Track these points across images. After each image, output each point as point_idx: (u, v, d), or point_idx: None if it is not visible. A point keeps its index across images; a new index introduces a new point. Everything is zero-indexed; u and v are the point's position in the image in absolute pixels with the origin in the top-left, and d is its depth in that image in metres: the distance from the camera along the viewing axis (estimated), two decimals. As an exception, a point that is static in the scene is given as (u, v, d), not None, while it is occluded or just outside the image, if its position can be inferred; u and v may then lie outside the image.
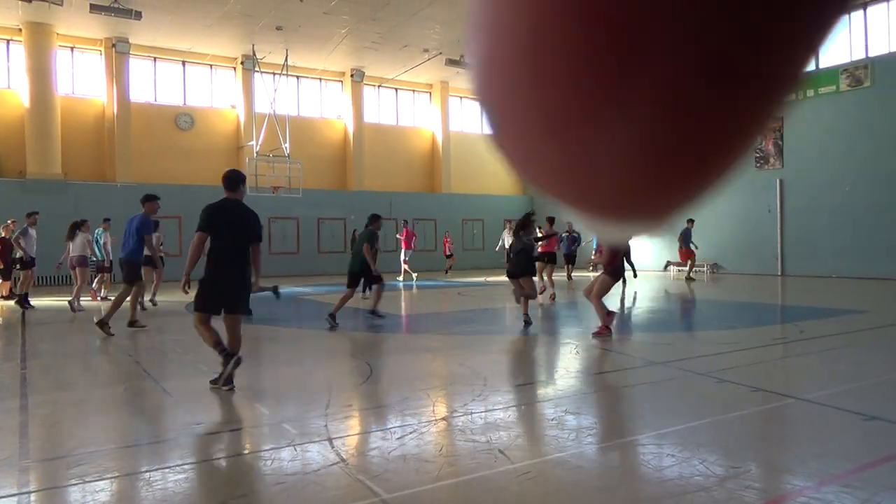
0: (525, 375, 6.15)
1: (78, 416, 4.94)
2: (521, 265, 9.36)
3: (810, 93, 19.62)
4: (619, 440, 4.19)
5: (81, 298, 12.17)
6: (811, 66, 0.32)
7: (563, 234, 20.15)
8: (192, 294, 5.64)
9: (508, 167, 0.39)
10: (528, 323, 9.11)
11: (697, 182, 0.35)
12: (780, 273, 20.29)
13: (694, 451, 3.77)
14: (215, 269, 5.45)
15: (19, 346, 8.21)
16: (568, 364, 6.74)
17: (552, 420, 4.54)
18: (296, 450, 3.92)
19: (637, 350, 7.61)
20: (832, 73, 19.13)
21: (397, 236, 21.61)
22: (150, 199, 9.55)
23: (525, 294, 9.28)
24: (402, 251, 20.62)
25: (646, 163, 0.33)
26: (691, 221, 19.01)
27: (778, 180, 20.37)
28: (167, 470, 3.61)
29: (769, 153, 20.65)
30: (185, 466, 3.65)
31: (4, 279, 14.57)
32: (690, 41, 0.29)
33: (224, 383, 5.35)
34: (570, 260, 19.81)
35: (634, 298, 14.05)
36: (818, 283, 16.80)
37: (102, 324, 8.65)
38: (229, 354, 5.37)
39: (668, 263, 22.82)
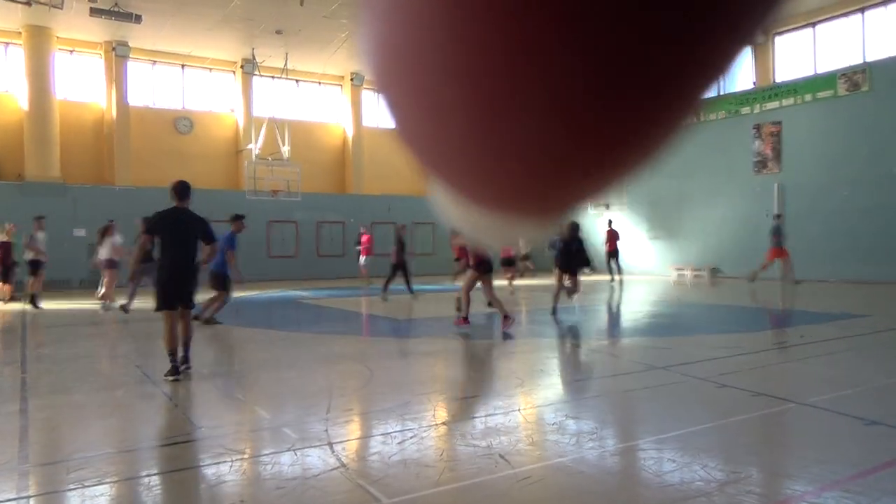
0: (525, 380, 6.14)
1: (77, 420, 4.92)
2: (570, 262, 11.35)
3: (808, 97, 19.67)
4: (620, 445, 4.19)
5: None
6: (712, 92, 0.33)
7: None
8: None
9: (409, 159, 0.39)
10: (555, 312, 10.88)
11: (594, 181, 0.35)
12: (779, 278, 20.31)
13: (695, 455, 3.77)
14: (164, 270, 6.20)
15: (19, 350, 8.19)
16: (568, 368, 6.73)
17: (553, 425, 4.53)
18: (296, 454, 3.91)
19: (637, 354, 7.61)
20: (830, 78, 19.18)
21: (356, 248, 21.38)
22: (238, 218, 10.72)
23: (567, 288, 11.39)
24: (361, 257, 20.68)
25: (543, 159, 0.33)
26: (779, 216, 16.83)
27: (776, 184, 20.40)
28: (167, 475, 3.60)
29: (767, 157, 20.68)
30: (185, 471, 3.64)
31: (4, 282, 14.59)
32: (590, 45, 0.29)
33: (171, 374, 6.01)
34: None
35: (633, 302, 14.05)
36: (818, 288, 16.81)
37: (207, 320, 10.03)
38: (176, 367, 6.03)
39: (678, 268, 22.88)
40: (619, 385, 5.89)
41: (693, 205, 22.96)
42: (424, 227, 27.24)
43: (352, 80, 25.44)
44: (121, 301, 11.86)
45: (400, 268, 14.48)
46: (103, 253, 12.95)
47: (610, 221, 20.18)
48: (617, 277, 18.98)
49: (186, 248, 6.26)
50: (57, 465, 3.83)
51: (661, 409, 5.04)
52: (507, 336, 8.76)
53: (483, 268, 9.16)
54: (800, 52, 20.46)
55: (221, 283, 10.12)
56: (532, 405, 5.16)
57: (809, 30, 20.09)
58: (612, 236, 20.35)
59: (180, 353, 6.16)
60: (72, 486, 3.45)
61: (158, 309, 6.16)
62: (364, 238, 20.74)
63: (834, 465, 3.60)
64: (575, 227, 12.02)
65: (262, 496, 3.29)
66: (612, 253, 20.13)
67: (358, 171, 26.04)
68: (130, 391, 5.85)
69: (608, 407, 5.18)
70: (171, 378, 5.93)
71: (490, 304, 9.82)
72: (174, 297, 6.16)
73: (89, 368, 7.10)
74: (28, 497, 3.33)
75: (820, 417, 4.67)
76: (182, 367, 6.13)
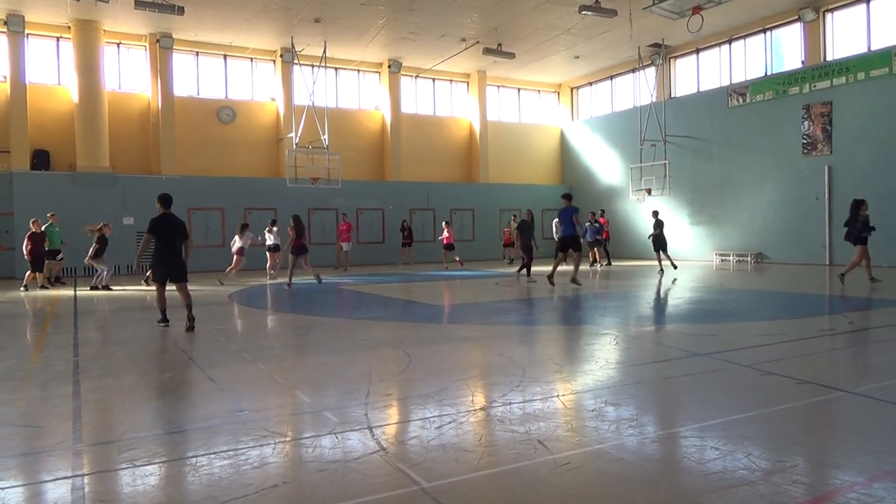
0: (564, 366, 6.11)
1: (127, 402, 5.10)
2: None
3: (861, 75, 18.93)
4: (661, 432, 4.14)
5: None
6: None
7: (586, 224, 20.52)
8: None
9: None
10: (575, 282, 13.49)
11: None
12: (828, 263, 19.70)
13: (738, 444, 3.70)
14: (159, 256, 8.68)
15: (72, 335, 8.50)
16: (607, 355, 6.67)
17: (592, 411, 4.51)
18: (337, 438, 3.97)
19: (679, 341, 7.49)
20: (885, 55, 18.41)
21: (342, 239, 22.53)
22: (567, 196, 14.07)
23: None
24: (344, 244, 22.00)
25: None
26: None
27: (826, 167, 19.74)
28: (213, 455, 3.70)
29: (817, 139, 20.02)
30: (230, 452, 3.74)
31: (35, 270, 15.49)
32: None
33: (161, 321, 8.83)
34: (596, 246, 21.01)
35: (677, 288, 13.82)
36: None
37: (573, 280, 13.60)
38: (166, 319, 8.84)
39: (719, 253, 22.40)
40: (659, 372, 5.82)
41: (737, 189, 22.39)
42: (465, 214, 27.23)
43: (389, 66, 25.46)
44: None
45: (526, 251, 15.76)
46: (241, 242, 17.08)
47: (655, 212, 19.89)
48: (665, 264, 18.75)
49: (174, 242, 8.68)
50: (109, 445, 3.98)
51: (703, 397, 4.96)
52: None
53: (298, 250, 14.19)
54: (852, 29, 19.66)
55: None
56: (570, 391, 5.13)
57: (862, 5, 19.28)
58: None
59: (186, 313, 8.64)
60: (123, 466, 3.58)
61: (157, 281, 8.81)
62: (347, 225, 22.43)
63: (884, 456, 3.50)
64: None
65: (305, 478, 3.36)
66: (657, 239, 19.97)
67: (396, 158, 26.13)
68: (177, 375, 6.02)
69: (649, 394, 5.12)
70: (162, 325, 8.75)
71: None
72: (166, 274, 8.70)
73: (138, 352, 7.32)
74: (82, 475, 3.46)
75: (869, 406, 4.54)
76: (188, 324, 8.53)
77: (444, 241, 22.38)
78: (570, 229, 13.74)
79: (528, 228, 15.94)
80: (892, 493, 3.01)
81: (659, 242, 18.26)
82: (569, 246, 13.86)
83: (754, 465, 3.38)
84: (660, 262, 18.62)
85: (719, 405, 4.65)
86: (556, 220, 16.12)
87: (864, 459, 3.44)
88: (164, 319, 8.78)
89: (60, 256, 16.93)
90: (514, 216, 24.45)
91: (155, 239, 8.59)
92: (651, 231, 18.64)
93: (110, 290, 14.97)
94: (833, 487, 3.14)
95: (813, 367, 6.02)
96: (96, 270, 15.55)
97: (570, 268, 14.64)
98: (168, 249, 8.64)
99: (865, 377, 5.47)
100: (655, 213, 18.90)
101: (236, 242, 17.32)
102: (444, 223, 23.15)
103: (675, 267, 16.02)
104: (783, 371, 5.60)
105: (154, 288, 9.11)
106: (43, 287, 15.42)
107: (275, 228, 18.36)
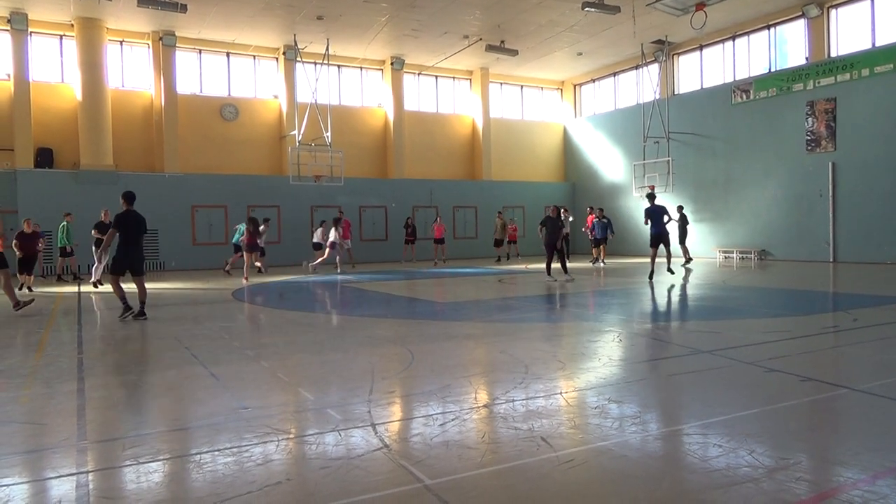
0: (567, 363, 6.11)
1: (131, 399, 5.11)
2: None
3: (865, 72, 18.86)
4: (664, 429, 4.14)
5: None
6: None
7: (595, 221, 20.46)
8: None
9: None
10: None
11: None
12: (832, 260, 19.66)
13: (741, 441, 3.70)
14: (121, 249, 9.33)
15: (76, 332, 8.52)
16: (610, 352, 6.67)
17: (595, 408, 4.50)
18: (340, 435, 3.98)
19: (682, 338, 7.48)
20: (889, 51, 18.34)
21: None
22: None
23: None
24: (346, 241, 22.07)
25: None
26: None
27: (830, 163, 19.68)
28: (217, 452, 3.71)
29: (821, 136, 19.96)
30: (233, 449, 3.75)
31: (23, 272, 14.92)
32: None
33: (123, 315, 9.23)
34: (601, 244, 20.83)
35: (679, 286, 13.80)
36: (872, 270, 16.23)
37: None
38: (128, 307, 9.27)
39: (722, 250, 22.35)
40: (663, 369, 5.81)
41: (741, 186, 22.35)
42: (468, 211, 27.23)
43: (392, 63, 25.45)
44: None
45: (549, 249, 15.21)
46: (332, 236, 19.17)
47: (680, 207, 20.46)
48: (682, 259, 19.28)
49: (137, 237, 9.40)
50: (113, 442, 3.99)
51: (706, 394, 4.95)
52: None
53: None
54: (857, 25, 19.58)
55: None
56: (573, 388, 5.13)
57: (867, 1, 19.20)
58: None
59: (137, 307, 9.29)
60: (127, 463, 3.59)
61: (114, 272, 9.36)
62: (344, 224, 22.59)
63: (888, 453, 3.49)
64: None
65: (308, 475, 3.37)
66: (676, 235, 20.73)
67: (399, 156, 26.13)
68: (181, 372, 6.04)
69: (652, 391, 5.11)
70: (127, 316, 9.21)
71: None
72: (127, 267, 9.33)
73: (142, 350, 7.34)
74: (87, 472, 3.47)
75: (873, 403, 4.53)
76: (141, 317, 9.21)
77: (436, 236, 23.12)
78: (660, 227, 14.80)
79: (553, 225, 15.02)
80: (896, 490, 3.00)
81: (675, 235, 18.93)
82: (660, 242, 14.91)
83: (757, 462, 3.38)
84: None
85: (722, 402, 4.64)
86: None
87: (868, 457, 3.43)
88: (128, 308, 9.26)
89: (70, 252, 17.46)
90: (500, 213, 24.38)
91: (120, 234, 9.29)
92: (680, 224, 18.59)
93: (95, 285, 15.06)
94: (836, 485, 3.14)
95: (816, 364, 6.01)
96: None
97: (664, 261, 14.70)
98: (131, 244, 9.32)
99: (869, 374, 5.45)
100: (681, 208, 20.47)
101: (330, 235, 19.18)
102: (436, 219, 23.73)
103: (672, 272, 15.83)
104: (786, 368, 5.60)
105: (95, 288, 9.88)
106: (30, 288, 15.09)
107: (333, 229, 19.57)
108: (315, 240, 20.27)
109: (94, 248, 15.78)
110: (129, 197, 9.54)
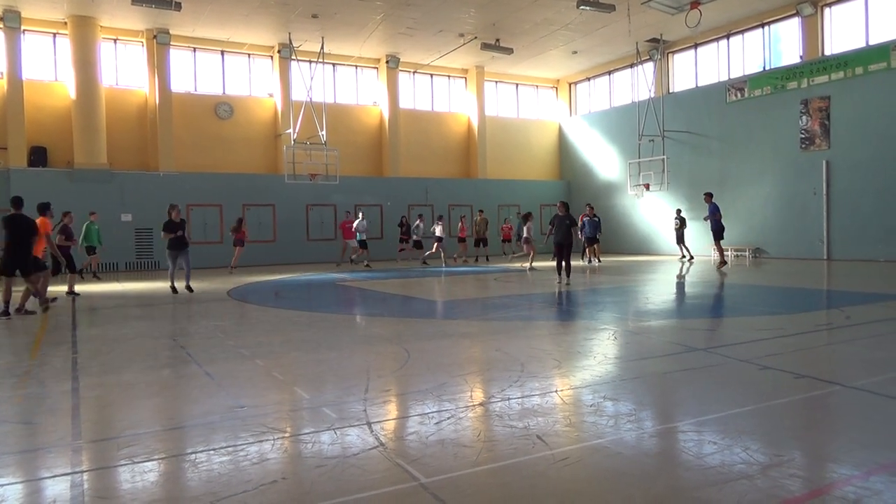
0: (562, 361, 6.12)
1: (126, 398, 5.10)
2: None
3: (859, 70, 18.93)
4: (659, 427, 4.15)
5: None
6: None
7: (585, 219, 20.42)
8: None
9: None
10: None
11: None
12: (826, 257, 19.74)
13: (736, 438, 3.71)
14: (7, 251, 9.80)
15: (70, 332, 8.50)
16: (606, 350, 6.68)
17: (590, 406, 4.52)
18: (336, 433, 3.98)
19: (677, 336, 7.50)
20: (882, 50, 18.41)
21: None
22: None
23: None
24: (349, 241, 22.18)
25: None
26: None
27: (824, 161, 19.75)
28: (212, 451, 3.71)
29: (815, 134, 20.02)
30: (229, 448, 3.74)
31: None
32: None
33: (2, 314, 9.72)
34: (593, 242, 20.88)
35: (675, 283, 13.83)
36: (866, 268, 16.30)
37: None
38: (6, 312, 9.77)
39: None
40: (657, 367, 5.83)
41: (735, 184, 22.40)
42: (463, 210, 27.21)
43: (387, 62, 25.41)
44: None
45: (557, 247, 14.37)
46: (438, 231, 20.67)
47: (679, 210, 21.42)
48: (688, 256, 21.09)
49: (24, 239, 9.85)
50: (108, 442, 3.98)
51: (701, 391, 4.97)
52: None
53: None
54: (850, 23, 19.65)
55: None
56: (569, 386, 5.14)
57: (860, 0, 19.26)
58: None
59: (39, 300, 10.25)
60: (122, 462, 3.58)
61: (2, 273, 9.85)
62: (347, 223, 22.44)
63: (881, 449, 3.51)
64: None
65: (303, 473, 3.37)
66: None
67: (394, 154, 26.10)
68: (176, 371, 6.02)
69: (647, 389, 5.13)
70: (3, 318, 9.59)
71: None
72: (14, 267, 9.80)
73: (137, 349, 7.32)
74: (81, 472, 3.46)
75: (866, 400, 4.55)
76: (42, 308, 10.26)
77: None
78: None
79: (561, 223, 13.95)
80: (889, 486, 3.02)
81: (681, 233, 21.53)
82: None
83: (752, 459, 3.39)
84: (687, 251, 21.24)
85: (717, 400, 4.66)
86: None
87: (862, 453, 3.45)
88: (6, 312, 9.73)
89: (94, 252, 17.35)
90: (481, 211, 24.22)
91: (6, 235, 9.78)
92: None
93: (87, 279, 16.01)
94: (830, 481, 3.16)
95: (810, 361, 6.03)
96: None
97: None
98: (17, 246, 9.84)
99: (863, 371, 5.48)
100: (679, 211, 22.02)
101: (436, 231, 20.69)
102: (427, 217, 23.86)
103: (690, 258, 15.81)
104: (781, 365, 5.62)
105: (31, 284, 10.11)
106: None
107: (440, 223, 21.10)
108: (437, 234, 20.94)
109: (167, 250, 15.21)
110: (16, 202, 10.12)
